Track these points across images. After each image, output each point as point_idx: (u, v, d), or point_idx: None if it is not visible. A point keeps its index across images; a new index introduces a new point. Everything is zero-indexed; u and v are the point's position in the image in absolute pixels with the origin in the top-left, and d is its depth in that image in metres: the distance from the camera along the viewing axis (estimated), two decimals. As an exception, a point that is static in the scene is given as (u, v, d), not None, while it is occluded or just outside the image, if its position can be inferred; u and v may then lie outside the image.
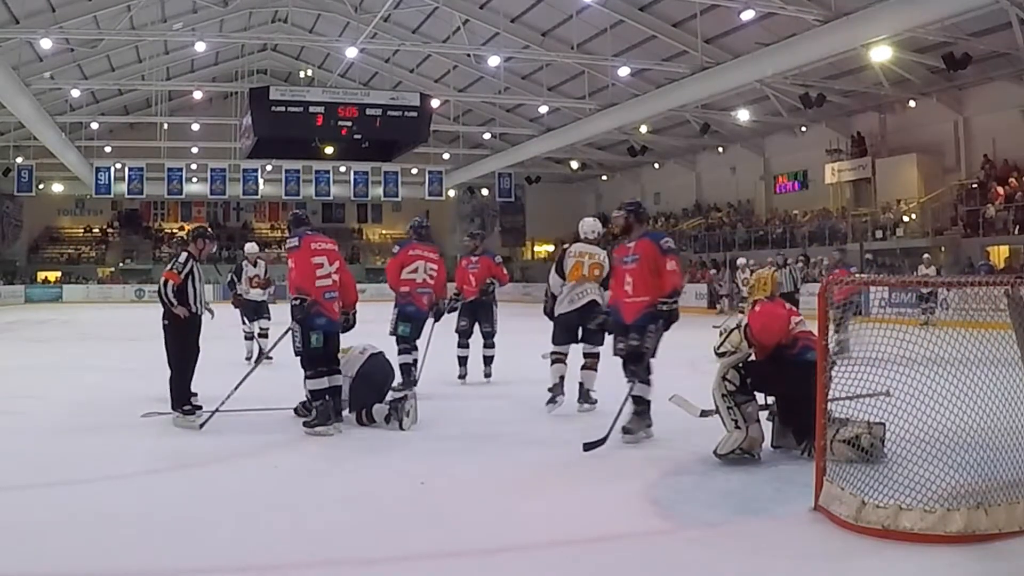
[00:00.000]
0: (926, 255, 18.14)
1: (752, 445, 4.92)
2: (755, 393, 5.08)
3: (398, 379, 7.15)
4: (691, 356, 10.24)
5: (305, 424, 6.01)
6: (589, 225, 7.22)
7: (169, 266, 6.68)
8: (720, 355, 5.17)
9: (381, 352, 6.71)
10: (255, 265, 10.81)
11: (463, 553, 3.57)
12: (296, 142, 20.72)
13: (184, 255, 6.70)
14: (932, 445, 3.79)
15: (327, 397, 6.01)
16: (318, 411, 5.96)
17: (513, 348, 9.90)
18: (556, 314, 6.96)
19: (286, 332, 6.42)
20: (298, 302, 6.09)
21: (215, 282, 22.21)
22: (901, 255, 21.17)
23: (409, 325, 7.64)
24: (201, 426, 6.14)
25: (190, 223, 40.70)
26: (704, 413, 5.38)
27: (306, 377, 6.09)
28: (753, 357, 5.08)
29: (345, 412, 6.32)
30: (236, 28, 26.68)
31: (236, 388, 6.36)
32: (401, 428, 6.07)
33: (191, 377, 6.56)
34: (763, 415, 5.15)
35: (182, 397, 6.42)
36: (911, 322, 4.50)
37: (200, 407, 6.58)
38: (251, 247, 11.26)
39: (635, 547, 3.62)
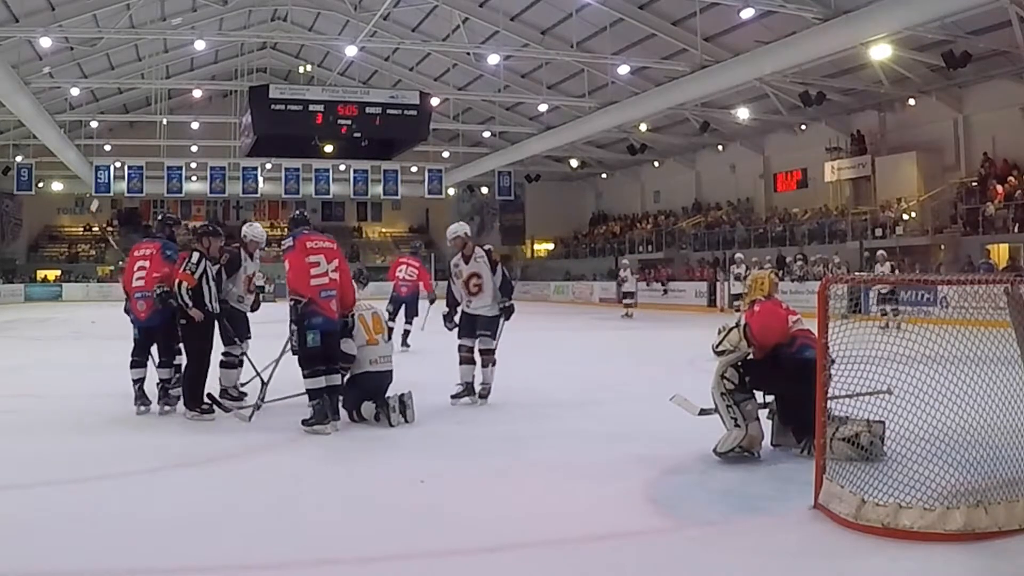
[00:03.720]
0: (880, 251, 17.09)
1: (752, 443, 4.92)
2: (754, 391, 5.08)
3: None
4: (690, 355, 10.25)
5: (303, 423, 6.00)
6: None
7: (182, 267, 6.47)
8: (719, 354, 5.16)
9: (391, 371, 6.60)
10: (253, 257, 7.49)
11: (463, 553, 3.57)
12: (296, 140, 20.68)
13: (196, 255, 6.51)
14: (932, 443, 3.80)
15: (325, 396, 6.00)
16: (315, 410, 5.96)
17: (513, 348, 9.88)
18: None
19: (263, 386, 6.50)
20: (293, 303, 6.04)
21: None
22: (900, 253, 21.15)
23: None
24: (249, 418, 6.36)
25: (190, 222, 40.72)
26: (703, 412, 5.38)
27: (303, 376, 6.06)
28: (752, 356, 5.08)
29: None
30: (235, 26, 26.67)
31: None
32: (390, 424, 6.07)
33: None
34: (762, 413, 5.15)
35: (196, 398, 6.38)
36: (910, 320, 4.50)
37: (215, 404, 6.59)
38: (257, 230, 7.63)
39: (635, 546, 3.62)
